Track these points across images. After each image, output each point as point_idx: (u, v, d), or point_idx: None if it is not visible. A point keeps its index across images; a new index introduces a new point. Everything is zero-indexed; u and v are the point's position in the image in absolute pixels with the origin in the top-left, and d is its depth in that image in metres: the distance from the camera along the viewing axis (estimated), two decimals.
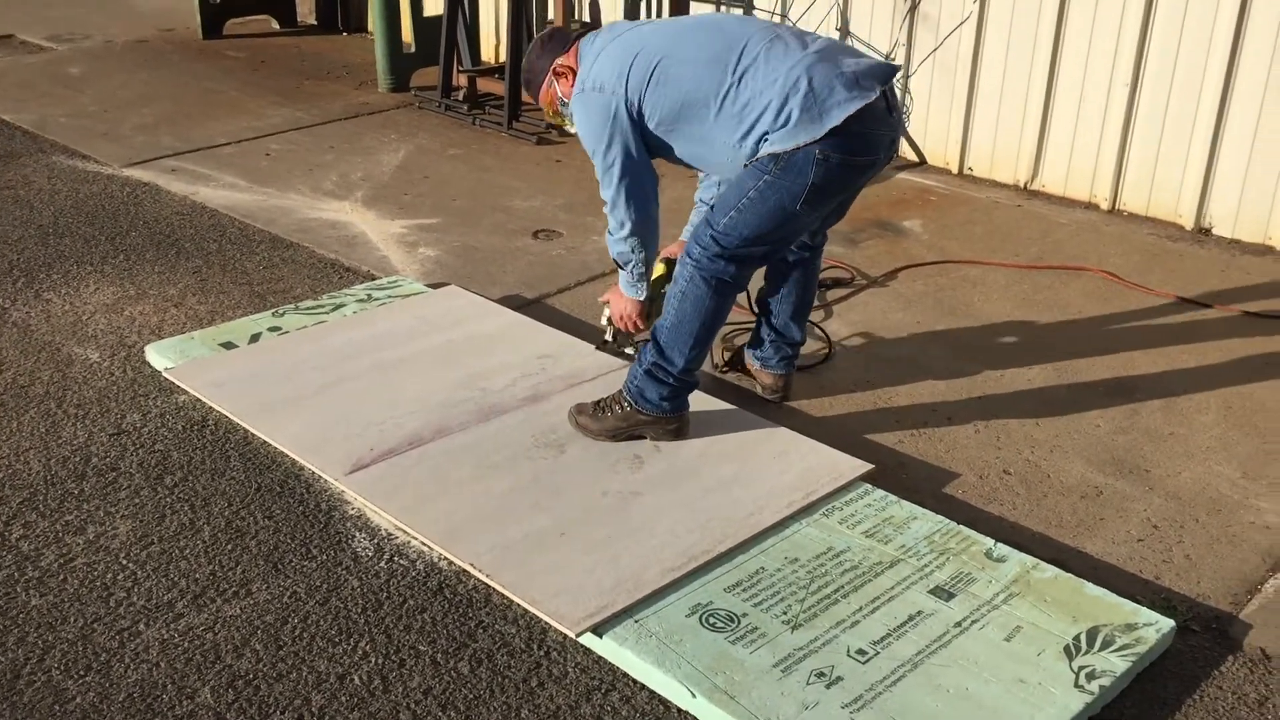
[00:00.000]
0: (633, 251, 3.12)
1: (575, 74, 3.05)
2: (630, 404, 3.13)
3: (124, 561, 2.74)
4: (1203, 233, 4.78)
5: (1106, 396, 3.53)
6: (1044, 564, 2.72)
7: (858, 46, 4.72)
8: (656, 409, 3.11)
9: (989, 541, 2.79)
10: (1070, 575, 2.68)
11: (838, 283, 4.26)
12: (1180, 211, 4.84)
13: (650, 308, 3.30)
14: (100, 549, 2.78)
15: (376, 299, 4.02)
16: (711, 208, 3.01)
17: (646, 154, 3.01)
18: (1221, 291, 4.24)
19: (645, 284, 3.22)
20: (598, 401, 3.21)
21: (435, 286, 4.17)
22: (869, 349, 3.81)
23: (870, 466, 3.08)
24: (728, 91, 2.85)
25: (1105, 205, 5.02)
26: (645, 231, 3.09)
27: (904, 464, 3.18)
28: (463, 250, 4.55)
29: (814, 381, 3.58)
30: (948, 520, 2.87)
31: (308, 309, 3.94)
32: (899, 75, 2.89)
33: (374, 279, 4.27)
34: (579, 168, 5.32)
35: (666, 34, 3.00)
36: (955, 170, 5.47)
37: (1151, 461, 3.22)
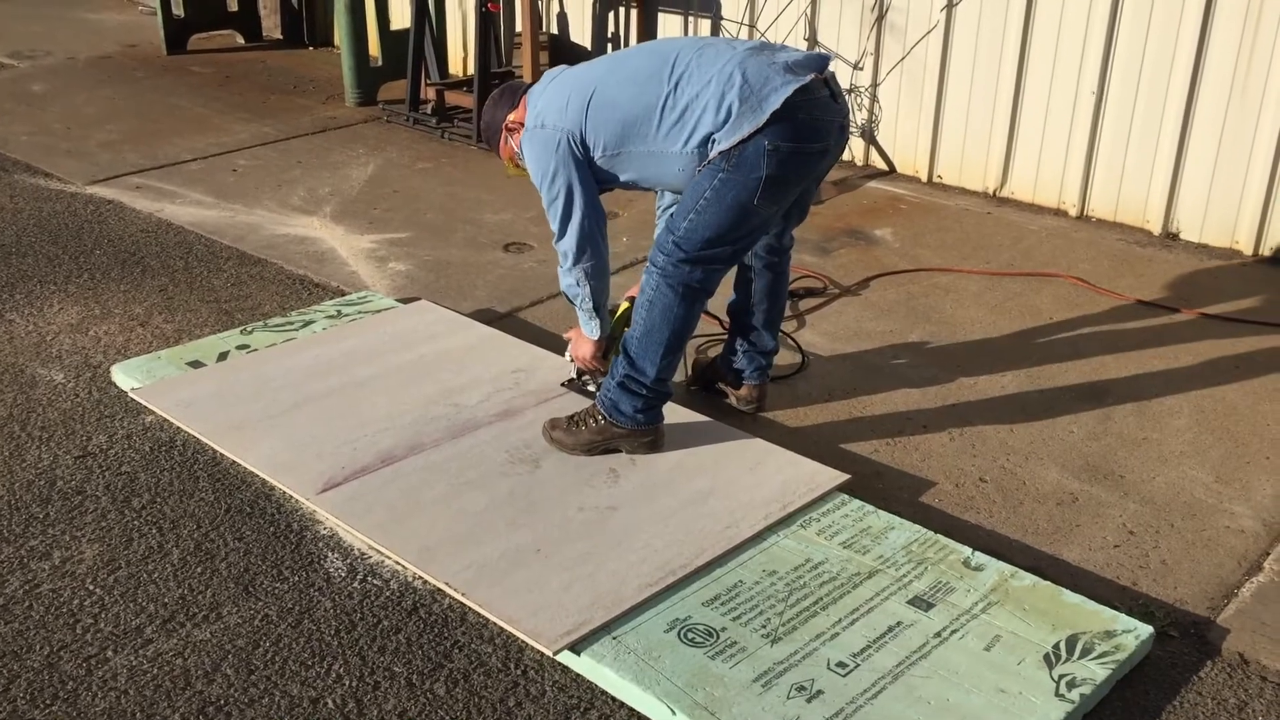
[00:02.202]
0: (578, 284, 3.13)
1: (524, 127, 3.12)
2: (604, 417, 3.11)
3: (91, 587, 2.69)
4: (1170, 238, 4.81)
5: (1079, 402, 3.54)
6: (1022, 572, 2.71)
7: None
8: (631, 421, 3.09)
9: (967, 550, 2.78)
10: (1049, 583, 2.67)
11: (810, 292, 4.26)
12: (1148, 217, 4.87)
13: (610, 346, 3.29)
14: (66, 574, 2.73)
15: (346, 315, 3.98)
16: (672, 215, 3.02)
17: (594, 186, 3.05)
18: (1190, 296, 4.26)
19: (599, 321, 3.22)
20: (572, 416, 3.19)
21: (406, 301, 4.13)
22: (843, 358, 3.80)
23: (847, 477, 3.07)
24: (666, 100, 2.89)
25: (1074, 211, 5.04)
26: (590, 264, 3.10)
27: (880, 473, 3.17)
28: (433, 264, 4.52)
29: (789, 392, 3.57)
30: (925, 529, 2.86)
31: (276, 326, 3.90)
32: (831, 65, 2.94)
33: (344, 295, 4.22)
34: None
35: (600, 66, 3.10)
36: (924, 178, 5.48)
37: (1126, 467, 3.22)
